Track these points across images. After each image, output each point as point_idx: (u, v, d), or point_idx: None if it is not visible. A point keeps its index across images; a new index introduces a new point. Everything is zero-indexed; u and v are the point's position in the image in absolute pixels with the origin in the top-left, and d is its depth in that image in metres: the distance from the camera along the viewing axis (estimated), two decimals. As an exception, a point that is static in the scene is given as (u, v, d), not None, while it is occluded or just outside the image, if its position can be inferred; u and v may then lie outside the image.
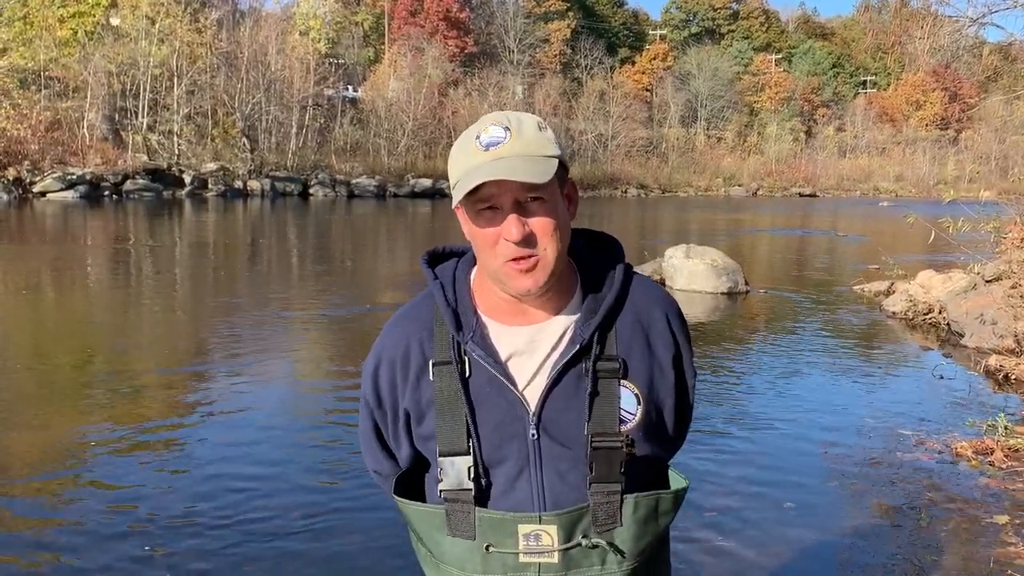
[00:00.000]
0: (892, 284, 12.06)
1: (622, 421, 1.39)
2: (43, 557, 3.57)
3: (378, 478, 1.63)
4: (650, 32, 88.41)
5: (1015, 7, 12.33)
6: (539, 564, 1.37)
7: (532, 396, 1.38)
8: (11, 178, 31.06)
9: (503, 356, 1.40)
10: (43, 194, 31.24)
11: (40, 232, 20.70)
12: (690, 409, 1.57)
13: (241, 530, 3.88)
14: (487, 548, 1.38)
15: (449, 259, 1.54)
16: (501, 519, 1.38)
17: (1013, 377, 7.12)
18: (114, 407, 5.85)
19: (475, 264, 1.46)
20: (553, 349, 1.40)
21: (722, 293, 12.05)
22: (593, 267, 1.47)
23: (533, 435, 1.38)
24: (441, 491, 1.41)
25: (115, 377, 6.79)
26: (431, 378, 1.42)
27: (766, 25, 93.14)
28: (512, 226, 1.31)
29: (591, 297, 1.43)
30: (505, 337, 1.41)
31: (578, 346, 1.38)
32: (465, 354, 1.40)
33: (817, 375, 7.53)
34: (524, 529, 1.37)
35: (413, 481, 1.53)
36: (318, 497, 4.30)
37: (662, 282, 12.58)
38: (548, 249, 1.34)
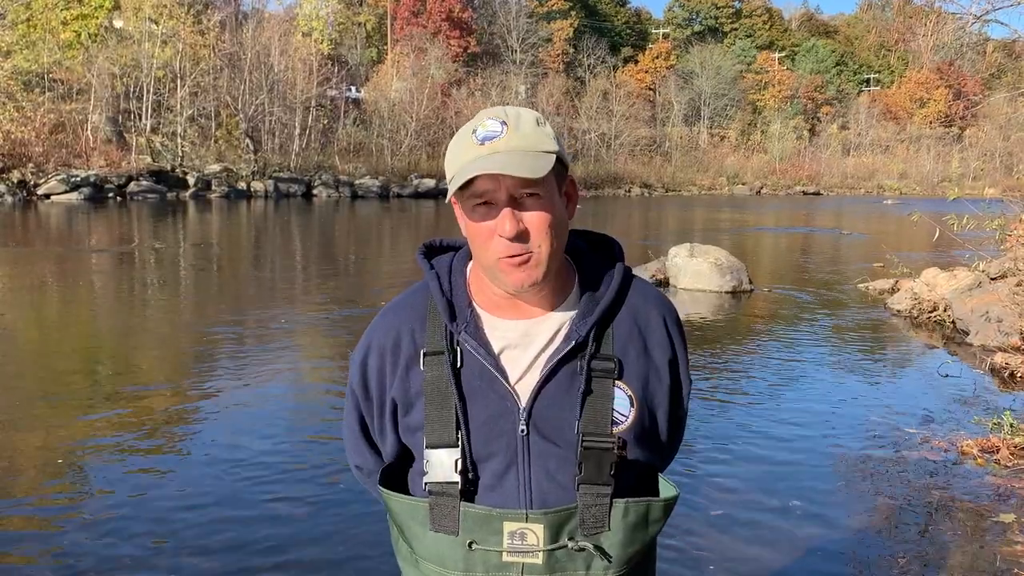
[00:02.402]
0: (897, 282, 12.04)
1: (614, 422, 1.36)
2: (46, 555, 3.57)
3: (359, 475, 1.60)
4: (653, 31, 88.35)
5: (1019, 4, 12.29)
6: (522, 564, 1.34)
7: (523, 391, 1.36)
8: (15, 180, 31.15)
9: (496, 349, 1.37)
10: (47, 196, 31.32)
11: (44, 234, 20.76)
12: (683, 418, 1.55)
13: (245, 528, 3.88)
14: (470, 545, 1.35)
15: (446, 252, 1.52)
16: (487, 515, 1.34)
17: (1019, 375, 7.10)
18: (119, 407, 5.86)
19: (471, 257, 1.44)
20: (547, 344, 1.38)
21: (726, 292, 12.03)
22: (591, 266, 1.45)
23: (522, 431, 1.35)
24: (426, 484, 1.38)
25: (120, 378, 6.80)
26: (421, 368, 1.39)
27: (769, 23, 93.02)
28: (506, 221, 1.29)
29: (588, 295, 1.41)
30: (499, 330, 1.39)
31: (573, 343, 1.35)
32: (457, 345, 1.38)
33: (822, 373, 7.51)
34: (509, 527, 1.34)
35: (397, 477, 1.50)
36: (324, 496, 4.30)
37: (666, 281, 12.58)
38: (543, 245, 1.31)
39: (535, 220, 1.31)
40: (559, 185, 1.37)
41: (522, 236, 1.30)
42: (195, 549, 3.67)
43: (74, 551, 3.63)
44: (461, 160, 1.31)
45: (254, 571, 3.51)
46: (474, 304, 1.41)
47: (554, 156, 1.31)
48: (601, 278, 1.43)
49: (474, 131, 1.32)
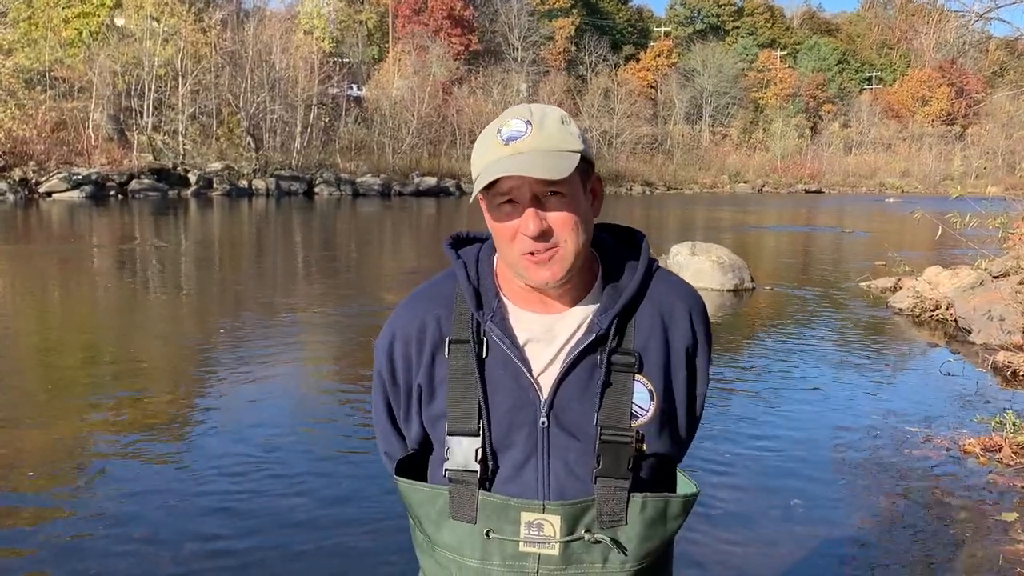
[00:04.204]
0: (899, 280, 12.02)
1: (634, 416, 1.37)
2: (48, 552, 3.57)
3: (387, 461, 1.60)
4: (654, 29, 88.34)
5: (1022, 2, 12.26)
6: (539, 555, 1.35)
7: (545, 383, 1.37)
8: (17, 178, 31.11)
9: (521, 341, 1.39)
10: (49, 194, 31.31)
11: (46, 232, 20.76)
12: (700, 413, 1.54)
13: (247, 524, 3.88)
14: (487, 534, 1.36)
15: (472, 243, 1.53)
16: (504, 504, 1.36)
17: (1021, 373, 7.09)
18: (120, 405, 5.86)
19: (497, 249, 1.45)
20: (570, 338, 1.39)
21: (728, 290, 12.02)
22: (615, 259, 1.45)
23: (543, 423, 1.36)
24: (446, 470, 1.39)
25: (121, 376, 6.80)
26: (446, 355, 1.40)
27: (771, 21, 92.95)
28: (529, 221, 1.30)
29: (611, 287, 1.41)
30: (524, 322, 1.40)
31: (595, 335, 1.36)
32: (483, 335, 1.39)
33: (823, 372, 7.50)
34: (527, 517, 1.35)
35: (415, 467, 1.51)
36: (326, 490, 4.30)
37: (668, 279, 12.56)
38: (568, 242, 1.32)
39: (559, 219, 1.32)
40: (584, 183, 1.37)
41: (545, 235, 1.31)
42: (197, 544, 3.66)
43: (76, 548, 3.63)
44: (485, 160, 1.33)
45: (258, 565, 3.51)
46: (501, 294, 1.42)
47: (578, 155, 1.32)
48: (624, 271, 1.44)
49: (499, 130, 1.33)
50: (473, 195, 1.35)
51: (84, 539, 3.73)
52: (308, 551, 3.66)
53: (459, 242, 1.53)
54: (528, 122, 1.32)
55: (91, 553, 3.59)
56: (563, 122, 1.35)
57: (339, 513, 4.07)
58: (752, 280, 12.42)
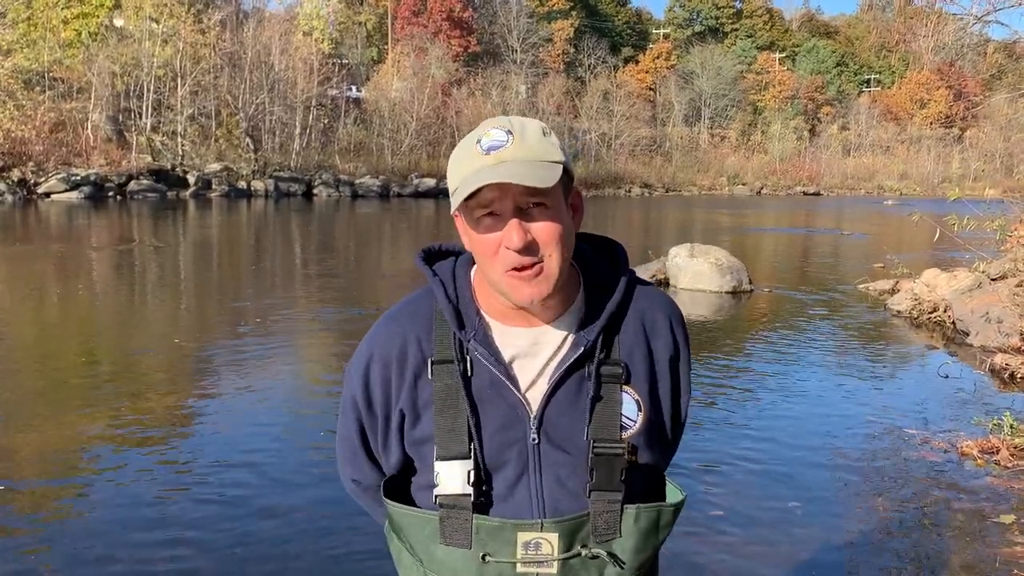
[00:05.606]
0: (897, 282, 12.04)
1: (623, 427, 1.35)
2: (47, 553, 3.57)
3: (355, 489, 1.55)
4: (653, 31, 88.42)
5: (1020, 5, 12.27)
6: (537, 574, 1.32)
7: (533, 399, 1.34)
8: (16, 179, 31.13)
9: (506, 357, 1.35)
10: (47, 195, 31.32)
11: (45, 233, 20.74)
12: (683, 421, 1.54)
13: (244, 526, 3.88)
14: (483, 557, 1.33)
15: (446, 257, 1.49)
16: (500, 526, 1.32)
17: (1019, 376, 7.10)
18: (119, 407, 5.85)
19: (475, 263, 1.41)
20: (556, 352, 1.36)
21: (726, 292, 12.03)
22: (596, 271, 1.43)
23: (534, 439, 1.33)
24: (437, 496, 1.35)
25: (119, 377, 6.80)
26: (430, 377, 1.36)
27: (770, 24, 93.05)
28: (513, 233, 1.26)
29: (595, 301, 1.39)
30: (508, 338, 1.37)
31: (582, 349, 1.34)
32: (467, 353, 1.35)
33: (822, 374, 7.51)
34: (524, 537, 1.32)
35: (398, 487, 1.46)
36: (324, 495, 4.29)
37: (666, 281, 12.58)
38: (552, 256, 1.29)
39: (543, 231, 1.28)
40: (565, 196, 1.34)
41: (530, 248, 1.27)
42: (195, 548, 3.67)
43: (74, 551, 3.63)
44: (466, 170, 1.28)
45: (256, 567, 3.51)
46: (482, 312, 1.39)
47: (561, 166, 1.29)
48: (606, 283, 1.42)
49: (478, 141, 1.29)
50: (453, 207, 1.31)
51: (82, 542, 3.72)
52: (306, 553, 3.66)
53: (431, 256, 1.48)
54: (509, 132, 1.29)
55: (87, 554, 3.59)
56: (544, 133, 1.32)
57: (337, 515, 4.07)
58: (750, 282, 12.42)
